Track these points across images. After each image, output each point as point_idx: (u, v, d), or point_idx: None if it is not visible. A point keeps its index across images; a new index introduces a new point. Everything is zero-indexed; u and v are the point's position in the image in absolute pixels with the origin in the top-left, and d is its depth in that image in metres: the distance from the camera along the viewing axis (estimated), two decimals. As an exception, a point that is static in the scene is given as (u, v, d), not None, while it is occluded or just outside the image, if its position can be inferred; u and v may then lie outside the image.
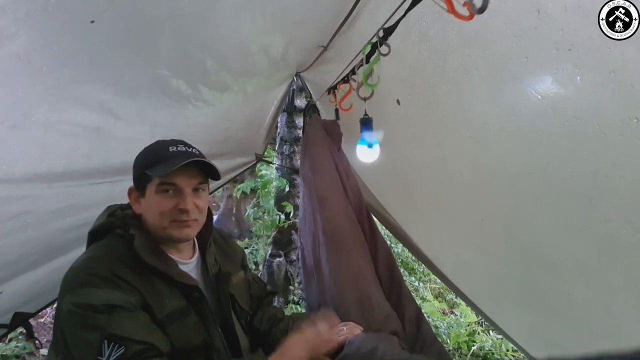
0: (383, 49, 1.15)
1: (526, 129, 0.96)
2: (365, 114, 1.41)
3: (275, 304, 1.38)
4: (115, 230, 0.99)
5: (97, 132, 1.22)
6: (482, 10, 0.77)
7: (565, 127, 0.85)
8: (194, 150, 1.02)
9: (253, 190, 3.83)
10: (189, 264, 1.06)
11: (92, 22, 0.83)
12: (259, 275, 3.76)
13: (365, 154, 1.47)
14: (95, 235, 1.00)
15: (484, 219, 1.28)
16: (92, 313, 0.83)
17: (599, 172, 0.84)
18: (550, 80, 0.85)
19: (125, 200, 1.50)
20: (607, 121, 0.79)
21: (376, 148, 1.45)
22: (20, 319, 1.66)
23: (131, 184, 1.54)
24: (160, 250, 0.99)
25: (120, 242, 0.96)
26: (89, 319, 0.82)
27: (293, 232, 3.70)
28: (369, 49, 1.20)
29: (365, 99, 1.37)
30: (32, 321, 1.73)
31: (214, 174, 1.02)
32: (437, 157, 1.39)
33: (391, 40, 1.14)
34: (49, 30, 0.82)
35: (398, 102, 1.36)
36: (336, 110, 1.84)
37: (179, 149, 0.99)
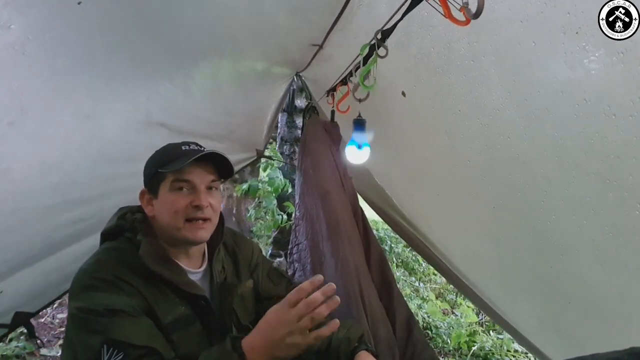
0: (380, 51, 1.15)
1: (538, 113, 0.95)
2: (359, 116, 1.42)
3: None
4: (125, 234, 0.98)
5: (90, 122, 1.21)
6: (477, 15, 0.77)
7: (576, 109, 0.85)
8: (205, 149, 1.02)
9: (254, 191, 3.84)
10: (197, 273, 1.04)
11: (79, 2, 0.81)
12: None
13: (354, 155, 1.48)
14: (107, 236, 1.00)
15: (496, 206, 1.27)
16: (93, 317, 0.83)
17: (612, 154, 0.83)
18: (559, 63, 0.85)
19: (119, 196, 1.49)
20: (617, 102, 0.79)
21: (365, 150, 1.46)
22: (21, 319, 1.64)
23: (125, 178, 1.53)
24: (168, 257, 0.97)
25: (128, 246, 0.95)
26: (91, 323, 0.83)
27: (293, 232, 3.69)
28: (367, 50, 1.20)
29: (360, 101, 1.37)
30: (32, 321, 1.71)
31: (227, 171, 1.02)
32: (447, 146, 1.37)
33: (394, 31, 1.14)
34: (39, 14, 0.80)
35: (403, 93, 1.36)
36: (332, 112, 1.84)
37: (191, 147, 1.00)
